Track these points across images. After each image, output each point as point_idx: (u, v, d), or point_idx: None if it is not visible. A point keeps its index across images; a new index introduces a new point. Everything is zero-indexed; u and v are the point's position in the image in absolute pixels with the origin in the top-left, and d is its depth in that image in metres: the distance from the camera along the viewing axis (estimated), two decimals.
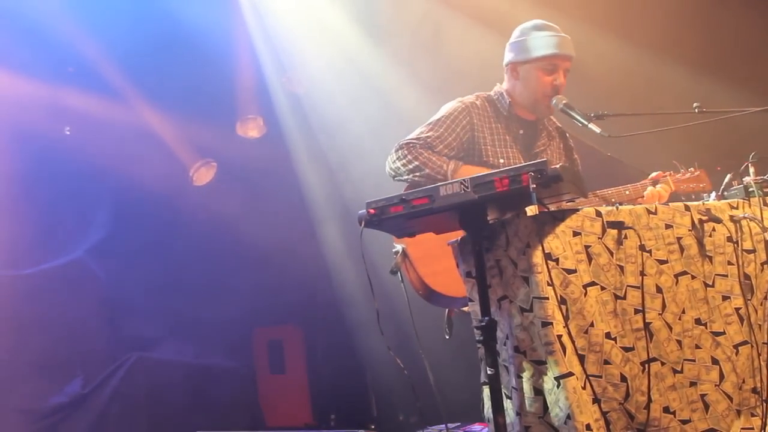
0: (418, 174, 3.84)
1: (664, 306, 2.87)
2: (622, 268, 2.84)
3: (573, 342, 2.70)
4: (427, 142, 3.89)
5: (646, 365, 2.79)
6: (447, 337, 3.88)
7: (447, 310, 3.93)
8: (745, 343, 2.97)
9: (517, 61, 3.98)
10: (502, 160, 3.92)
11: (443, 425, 4.73)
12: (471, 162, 3.93)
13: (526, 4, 5.34)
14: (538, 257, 2.72)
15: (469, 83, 4.31)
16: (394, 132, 4.09)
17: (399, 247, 3.77)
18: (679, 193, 4.05)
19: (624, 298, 2.82)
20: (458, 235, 3.05)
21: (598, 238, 2.83)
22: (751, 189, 3.18)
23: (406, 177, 3.90)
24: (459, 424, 4.82)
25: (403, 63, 6.25)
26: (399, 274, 3.69)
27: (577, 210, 2.84)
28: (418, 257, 3.76)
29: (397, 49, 6.29)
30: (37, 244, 6.10)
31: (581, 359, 2.71)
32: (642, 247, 2.87)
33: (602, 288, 2.79)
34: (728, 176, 3.30)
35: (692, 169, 4.07)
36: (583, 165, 4.26)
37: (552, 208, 3.08)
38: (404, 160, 3.88)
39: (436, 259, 3.68)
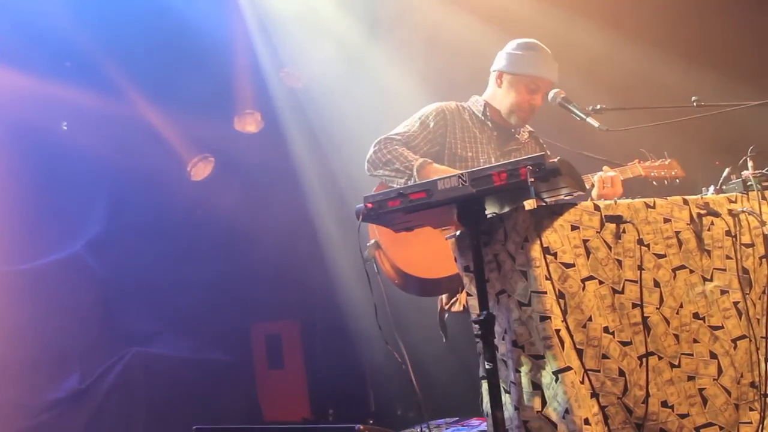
0: (389, 168, 3.90)
1: (661, 300, 2.87)
2: (620, 262, 2.83)
3: (571, 336, 2.69)
4: (404, 137, 4.00)
5: (644, 359, 2.79)
6: (444, 340, 3.91)
7: (439, 313, 3.94)
8: (743, 337, 2.97)
9: (506, 71, 4.09)
10: (470, 153, 4.02)
11: (441, 420, 4.73)
12: (442, 157, 4.00)
13: None
14: (536, 251, 2.71)
15: (468, 78, 4.31)
16: (392, 127, 4.10)
17: (373, 240, 3.82)
18: (651, 180, 4.08)
19: (622, 292, 2.82)
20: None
21: (597, 232, 2.82)
22: (749, 183, 3.18)
23: (379, 171, 3.94)
24: (457, 418, 4.82)
25: (401, 57, 6.24)
26: (375, 266, 3.70)
27: (575, 204, 2.83)
28: (389, 245, 3.79)
29: (395, 43, 6.27)
30: (34, 239, 6.09)
31: (579, 353, 2.70)
32: (640, 241, 2.87)
33: (600, 282, 2.79)
34: (727, 170, 3.29)
35: (662, 159, 4.11)
36: None
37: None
38: (379, 154, 3.95)
39: (407, 245, 3.72)
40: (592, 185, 3.91)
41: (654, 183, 4.07)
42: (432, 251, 3.62)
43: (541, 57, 4.04)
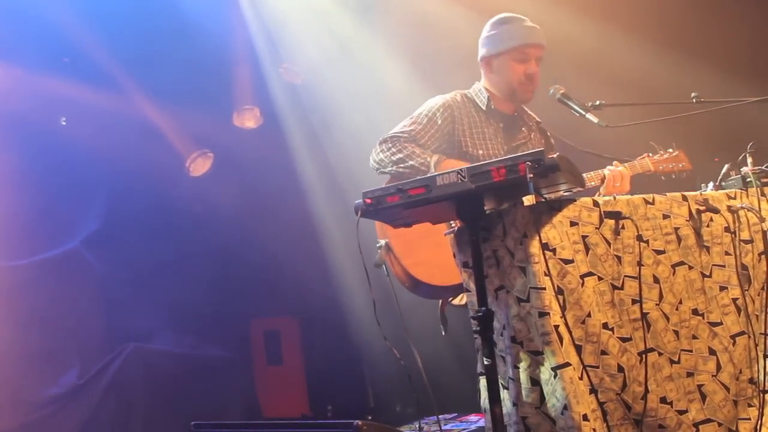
0: (402, 166, 3.87)
1: (661, 296, 2.86)
2: (619, 258, 2.83)
3: (570, 332, 2.69)
4: (411, 135, 3.94)
5: (644, 356, 2.79)
6: (443, 333, 3.89)
7: (440, 305, 3.93)
8: (742, 333, 2.97)
9: (490, 54, 4.04)
10: (481, 152, 3.96)
11: (441, 416, 4.73)
12: (452, 155, 3.96)
13: None
14: (535, 247, 2.71)
15: (469, 74, 4.30)
16: (391, 122, 4.08)
17: (382, 241, 3.79)
18: (660, 174, 4.06)
19: (621, 288, 2.81)
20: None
21: (596, 228, 2.82)
22: (748, 179, 3.18)
23: (390, 168, 3.91)
24: (455, 414, 4.83)
25: (401, 53, 6.23)
26: (384, 268, 3.70)
27: (575, 200, 2.83)
28: (401, 249, 3.76)
29: (395, 39, 6.27)
30: (32, 235, 6.07)
31: (578, 350, 2.70)
32: (639, 238, 2.86)
33: (599, 278, 2.79)
34: (726, 166, 3.30)
35: (670, 150, 4.09)
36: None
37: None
38: (388, 152, 3.91)
39: (419, 249, 3.70)
40: (602, 180, 3.89)
41: (662, 177, 4.05)
42: (444, 256, 3.58)
43: (517, 26, 3.97)
